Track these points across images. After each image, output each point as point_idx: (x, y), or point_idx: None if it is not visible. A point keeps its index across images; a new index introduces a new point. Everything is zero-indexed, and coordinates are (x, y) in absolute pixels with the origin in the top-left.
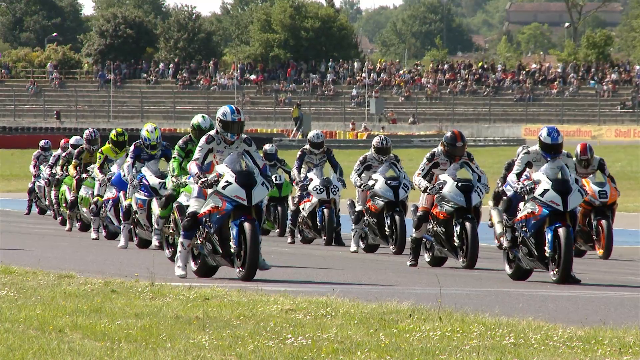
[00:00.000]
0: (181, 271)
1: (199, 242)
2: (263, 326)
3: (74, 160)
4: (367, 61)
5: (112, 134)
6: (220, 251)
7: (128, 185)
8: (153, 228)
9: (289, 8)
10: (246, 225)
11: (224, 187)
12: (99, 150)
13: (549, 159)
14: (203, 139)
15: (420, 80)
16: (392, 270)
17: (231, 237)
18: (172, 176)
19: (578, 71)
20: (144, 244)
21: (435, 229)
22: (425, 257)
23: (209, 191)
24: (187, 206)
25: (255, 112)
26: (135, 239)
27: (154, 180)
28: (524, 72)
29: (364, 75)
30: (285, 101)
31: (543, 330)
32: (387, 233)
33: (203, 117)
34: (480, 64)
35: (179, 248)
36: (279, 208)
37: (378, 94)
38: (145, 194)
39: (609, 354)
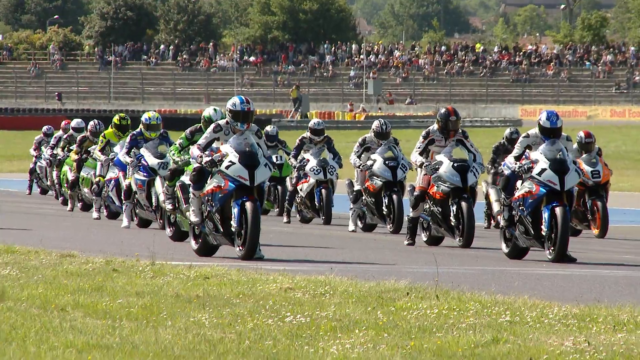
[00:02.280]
0: (194, 217)
1: (197, 219)
2: (262, 304)
3: (75, 147)
4: (365, 43)
5: (115, 119)
6: (222, 230)
7: (128, 167)
8: (163, 192)
9: None
10: (248, 205)
11: (227, 167)
12: (102, 134)
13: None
14: (211, 128)
15: (418, 61)
16: (389, 249)
17: (233, 216)
18: (173, 160)
19: (574, 53)
20: (144, 223)
21: (432, 208)
22: (423, 236)
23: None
24: (189, 184)
25: (255, 93)
26: (135, 218)
27: (152, 161)
28: (520, 54)
29: (361, 56)
30: (284, 82)
31: (538, 308)
32: (384, 213)
33: (215, 109)
34: (479, 47)
35: (191, 197)
36: (279, 188)
37: (376, 76)
38: (144, 174)
39: (604, 332)
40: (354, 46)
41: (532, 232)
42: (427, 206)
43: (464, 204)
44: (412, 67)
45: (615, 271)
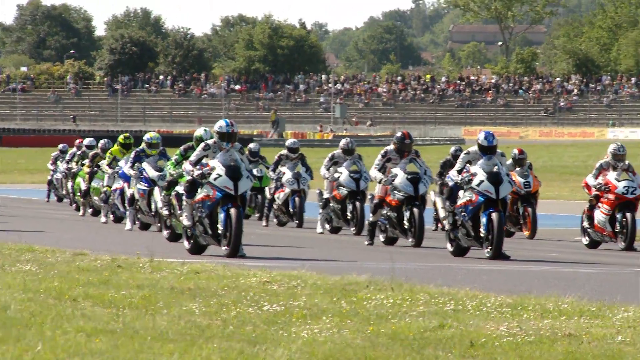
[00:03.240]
0: (187, 221)
1: (189, 223)
2: (244, 295)
3: (88, 162)
4: (333, 74)
5: (120, 138)
6: (210, 232)
7: (131, 179)
8: (161, 200)
9: (268, 29)
10: (232, 210)
11: (215, 179)
12: (109, 150)
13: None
14: (201, 146)
15: (378, 89)
16: (352, 248)
17: (219, 220)
18: (169, 174)
19: (509, 82)
20: (145, 226)
21: (388, 214)
22: (381, 237)
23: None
24: (183, 194)
25: (239, 116)
26: (137, 222)
27: (152, 173)
28: (464, 83)
29: (330, 85)
30: (264, 107)
31: (478, 299)
32: (349, 217)
33: (205, 130)
34: (429, 77)
35: (184, 204)
36: (259, 196)
37: (342, 101)
38: (146, 184)
39: (533, 318)
40: (323, 76)
41: (472, 234)
42: (385, 212)
43: (415, 210)
44: (372, 94)
45: (543, 267)
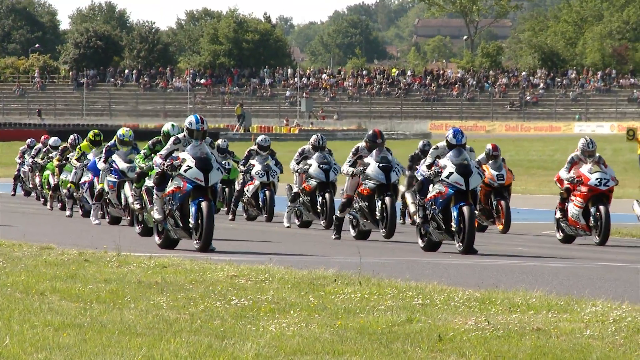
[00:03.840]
0: (158, 215)
1: (159, 217)
2: (212, 289)
3: (57, 156)
4: (299, 68)
5: (90, 134)
6: (181, 225)
7: (101, 173)
8: (132, 194)
9: (233, 23)
10: (203, 204)
11: (185, 170)
12: (78, 146)
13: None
14: (171, 140)
15: (343, 83)
16: (321, 243)
17: (190, 214)
18: (139, 167)
19: (475, 76)
20: (115, 220)
21: (360, 204)
22: (352, 232)
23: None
24: (151, 187)
25: (205, 110)
26: (107, 216)
27: (123, 165)
28: (429, 77)
29: (295, 79)
30: (230, 101)
31: (446, 293)
32: (319, 210)
33: (172, 125)
34: (394, 71)
35: (154, 198)
36: (227, 190)
37: (308, 95)
38: (116, 176)
39: (501, 312)
40: (289, 70)
41: (444, 227)
42: (356, 204)
43: (387, 199)
44: (338, 88)
45: (511, 261)
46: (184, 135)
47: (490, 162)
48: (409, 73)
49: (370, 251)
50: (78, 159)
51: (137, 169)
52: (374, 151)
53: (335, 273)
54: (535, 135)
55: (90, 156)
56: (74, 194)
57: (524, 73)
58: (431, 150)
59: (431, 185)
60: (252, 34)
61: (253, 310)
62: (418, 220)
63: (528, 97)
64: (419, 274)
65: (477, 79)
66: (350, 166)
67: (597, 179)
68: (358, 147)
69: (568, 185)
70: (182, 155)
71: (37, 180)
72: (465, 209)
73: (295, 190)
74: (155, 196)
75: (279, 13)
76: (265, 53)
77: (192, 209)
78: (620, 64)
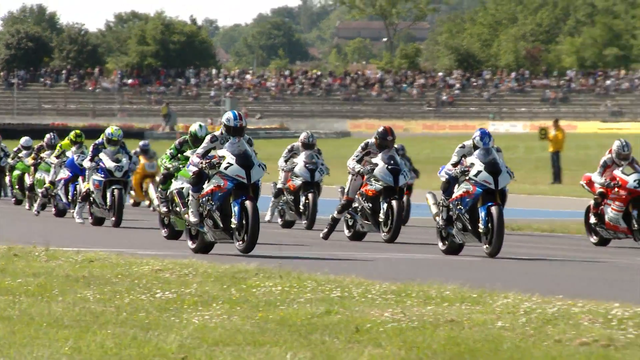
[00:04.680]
0: (193, 218)
1: (196, 220)
2: (137, 283)
3: (33, 154)
4: (223, 68)
5: (72, 135)
6: (222, 226)
7: (87, 171)
8: (157, 197)
9: (160, 25)
10: (248, 203)
11: (226, 168)
12: (59, 144)
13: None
14: (208, 138)
15: (266, 84)
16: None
17: (233, 214)
18: (164, 167)
19: (393, 77)
20: (99, 221)
21: (363, 204)
22: (346, 232)
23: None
24: (182, 188)
25: (132, 110)
26: (90, 217)
27: (110, 164)
28: (349, 78)
29: (220, 80)
30: (156, 101)
31: (363, 286)
32: (301, 210)
33: (200, 125)
34: (316, 72)
35: (190, 199)
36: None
37: (232, 95)
38: (102, 175)
39: (416, 304)
40: (214, 71)
41: (470, 227)
42: (357, 204)
43: (394, 202)
44: (261, 88)
45: (426, 255)
46: (221, 133)
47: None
48: (330, 74)
49: (293, 248)
50: (58, 157)
51: (163, 170)
52: (382, 152)
53: (257, 267)
54: (451, 133)
55: (69, 154)
56: (50, 192)
57: (440, 74)
58: (457, 149)
59: (456, 186)
60: (179, 36)
61: (177, 303)
62: (441, 222)
63: (444, 97)
64: (337, 268)
65: (396, 79)
66: (357, 162)
67: (635, 181)
68: (368, 142)
69: (602, 190)
70: (220, 152)
71: (7, 179)
72: (493, 209)
73: (279, 186)
74: (190, 198)
75: (205, 15)
76: (191, 54)
77: (235, 209)
78: (534, 65)
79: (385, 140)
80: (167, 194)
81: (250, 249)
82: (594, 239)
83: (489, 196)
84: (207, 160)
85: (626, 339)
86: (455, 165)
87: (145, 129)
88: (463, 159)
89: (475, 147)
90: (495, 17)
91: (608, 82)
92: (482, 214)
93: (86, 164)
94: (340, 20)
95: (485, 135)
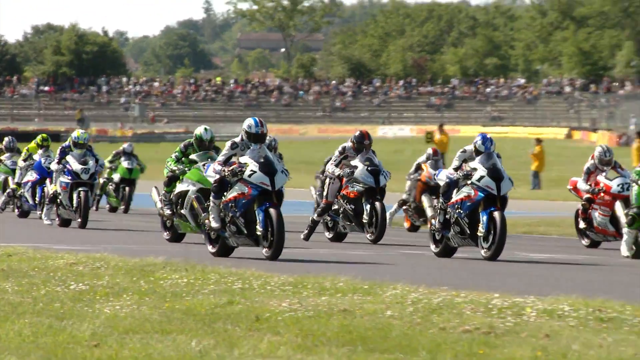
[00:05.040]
0: (215, 223)
1: (217, 225)
2: (52, 275)
3: None
4: (133, 77)
5: (39, 139)
6: (245, 232)
7: (54, 174)
8: (161, 199)
9: (74, 36)
10: (272, 211)
11: (249, 175)
12: (26, 147)
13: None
14: (228, 145)
15: (173, 91)
16: (152, 234)
17: (258, 221)
18: (170, 170)
19: (291, 85)
20: (65, 222)
21: (344, 207)
22: (326, 234)
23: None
24: (199, 195)
25: (48, 115)
26: (57, 218)
27: (76, 166)
28: (250, 85)
29: (130, 87)
30: (71, 107)
31: (263, 278)
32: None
33: (205, 129)
34: (219, 80)
35: (211, 206)
36: (127, 188)
37: (141, 101)
38: (69, 177)
39: (312, 295)
40: (124, 79)
41: (468, 232)
42: (337, 206)
43: (377, 204)
44: (168, 95)
45: (319, 250)
46: (242, 139)
47: (429, 161)
48: (232, 82)
49: (201, 246)
50: (25, 160)
51: (168, 172)
52: (360, 155)
53: (164, 260)
54: (344, 137)
55: (36, 157)
56: (17, 193)
57: (334, 82)
58: (458, 154)
59: (455, 190)
60: (91, 46)
61: (90, 294)
62: (437, 225)
63: (338, 104)
64: (239, 263)
65: (293, 87)
66: (336, 166)
67: (618, 185)
68: (345, 146)
69: (589, 196)
70: (242, 159)
71: None
72: (496, 214)
73: (317, 198)
74: (211, 204)
75: (116, 27)
76: (103, 63)
77: (260, 216)
78: (420, 73)
79: (362, 144)
80: (171, 196)
81: (277, 256)
82: (585, 241)
83: (490, 201)
84: (230, 168)
85: (505, 327)
86: (456, 169)
87: (60, 132)
88: (464, 163)
89: (477, 152)
90: (384, 29)
91: (488, 89)
92: (483, 219)
93: (54, 166)
94: (241, 32)
95: (486, 140)
